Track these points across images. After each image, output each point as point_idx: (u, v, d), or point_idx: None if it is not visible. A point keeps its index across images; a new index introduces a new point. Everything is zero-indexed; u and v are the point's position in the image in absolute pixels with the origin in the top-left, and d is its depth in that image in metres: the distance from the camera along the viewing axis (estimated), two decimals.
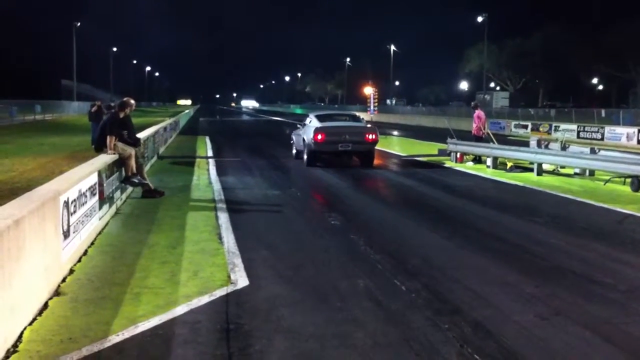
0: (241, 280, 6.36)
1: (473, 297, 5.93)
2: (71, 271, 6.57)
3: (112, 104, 15.48)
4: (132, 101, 11.50)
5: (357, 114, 23.02)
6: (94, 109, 22.68)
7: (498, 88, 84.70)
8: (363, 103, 77.40)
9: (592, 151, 16.14)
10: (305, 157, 17.71)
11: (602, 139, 31.79)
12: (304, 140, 17.84)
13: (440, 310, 5.54)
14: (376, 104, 66.97)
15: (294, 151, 19.81)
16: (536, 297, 5.96)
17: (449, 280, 6.48)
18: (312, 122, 17.64)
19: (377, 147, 18.36)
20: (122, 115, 11.05)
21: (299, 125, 19.63)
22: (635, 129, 30.57)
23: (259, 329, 5.07)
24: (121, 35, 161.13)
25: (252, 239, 8.28)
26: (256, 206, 11.02)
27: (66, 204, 6.48)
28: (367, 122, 22.39)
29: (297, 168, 17.29)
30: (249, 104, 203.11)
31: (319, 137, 16.72)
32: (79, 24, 65.50)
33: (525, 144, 19.82)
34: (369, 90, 60.43)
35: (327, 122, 17.61)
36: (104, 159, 9.76)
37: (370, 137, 17.18)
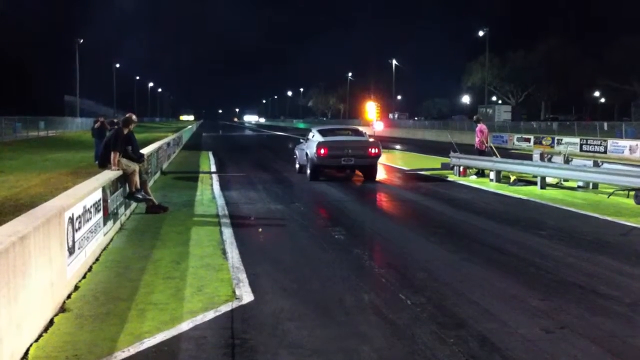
0: (246, 295, 6.37)
1: (478, 311, 5.92)
2: (76, 287, 6.58)
3: (116, 120, 15.54)
4: (134, 117, 11.59)
5: (360, 128, 23.11)
6: (97, 125, 22.78)
7: (500, 102, 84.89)
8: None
9: (595, 164, 16.14)
10: (308, 171, 17.75)
11: (605, 152, 31.77)
12: (307, 154, 17.89)
13: (445, 324, 5.53)
14: (378, 119, 67.05)
15: (297, 166, 19.86)
16: (541, 310, 5.95)
17: (454, 294, 6.48)
18: (315, 137, 17.69)
19: (380, 161, 18.37)
20: (126, 131, 11.11)
21: (301, 140, 19.68)
22: (638, 142, 30.56)
23: (264, 344, 5.07)
24: (124, 51, 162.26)
25: (256, 253, 8.28)
26: (260, 221, 11.03)
27: (71, 220, 6.50)
28: (370, 136, 22.44)
29: (300, 182, 17.31)
30: (251, 118, 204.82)
31: (322, 151, 16.77)
32: (81, 40, 65.88)
33: (528, 157, 19.85)
34: (371, 106, 60.61)
35: (330, 136, 17.66)
36: (108, 175, 9.79)
37: (373, 151, 17.21)
